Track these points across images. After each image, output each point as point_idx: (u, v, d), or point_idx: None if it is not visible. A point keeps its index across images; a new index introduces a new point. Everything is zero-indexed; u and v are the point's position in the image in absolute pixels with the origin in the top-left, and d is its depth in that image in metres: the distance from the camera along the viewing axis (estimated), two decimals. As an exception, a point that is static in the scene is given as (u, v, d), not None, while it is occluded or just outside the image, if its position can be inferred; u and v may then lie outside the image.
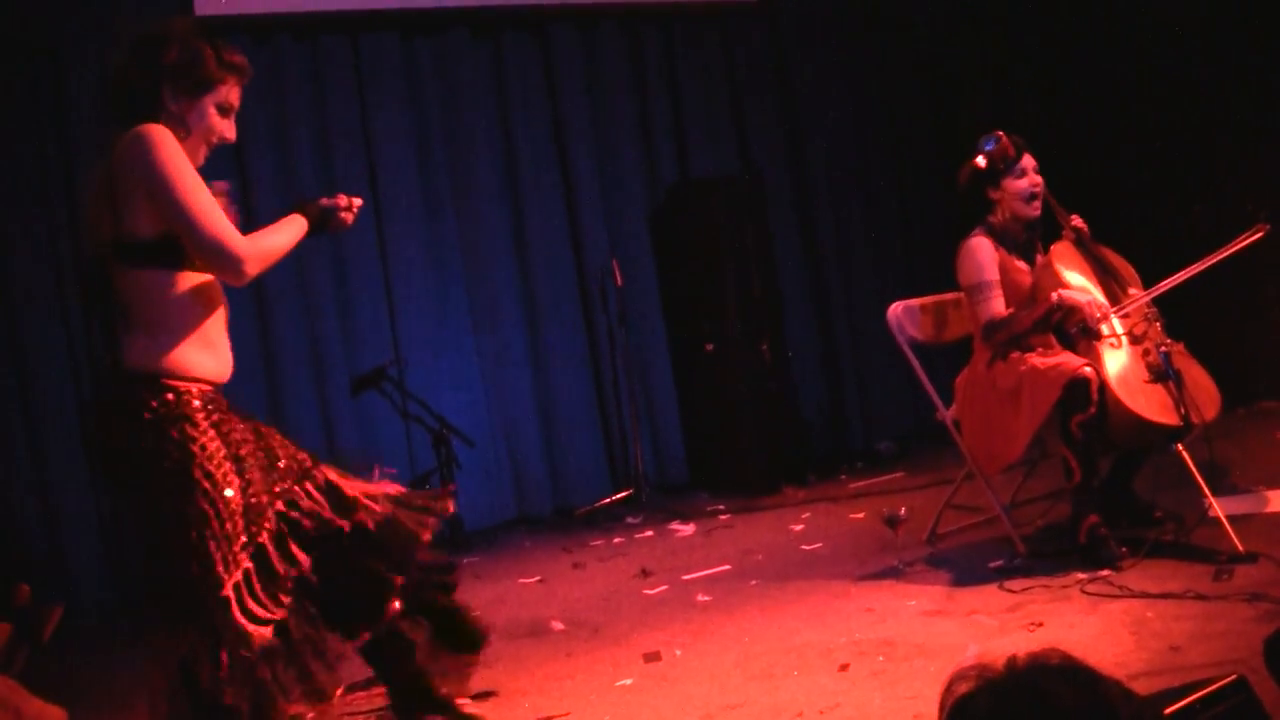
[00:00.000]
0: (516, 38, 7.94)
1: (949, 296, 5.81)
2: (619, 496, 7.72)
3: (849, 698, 3.94)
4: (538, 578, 6.24)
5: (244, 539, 3.33)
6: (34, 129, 6.66)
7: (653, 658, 4.59)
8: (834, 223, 8.75)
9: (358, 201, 3.74)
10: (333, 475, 3.68)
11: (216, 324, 3.46)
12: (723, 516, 7.09)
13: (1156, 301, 5.26)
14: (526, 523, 7.68)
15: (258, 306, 7.10)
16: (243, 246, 3.32)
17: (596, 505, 7.65)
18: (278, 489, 3.51)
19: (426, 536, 3.75)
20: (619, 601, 5.56)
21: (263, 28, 7.20)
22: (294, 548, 3.47)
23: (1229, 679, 2.38)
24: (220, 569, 3.27)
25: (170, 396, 3.29)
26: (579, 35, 8.08)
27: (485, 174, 7.76)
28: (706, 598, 5.35)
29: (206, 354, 3.40)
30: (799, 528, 6.54)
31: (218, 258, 3.30)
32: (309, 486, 3.59)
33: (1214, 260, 5.09)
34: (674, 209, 8.18)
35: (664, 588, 5.66)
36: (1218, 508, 4.83)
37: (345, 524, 3.59)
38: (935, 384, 5.68)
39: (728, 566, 5.90)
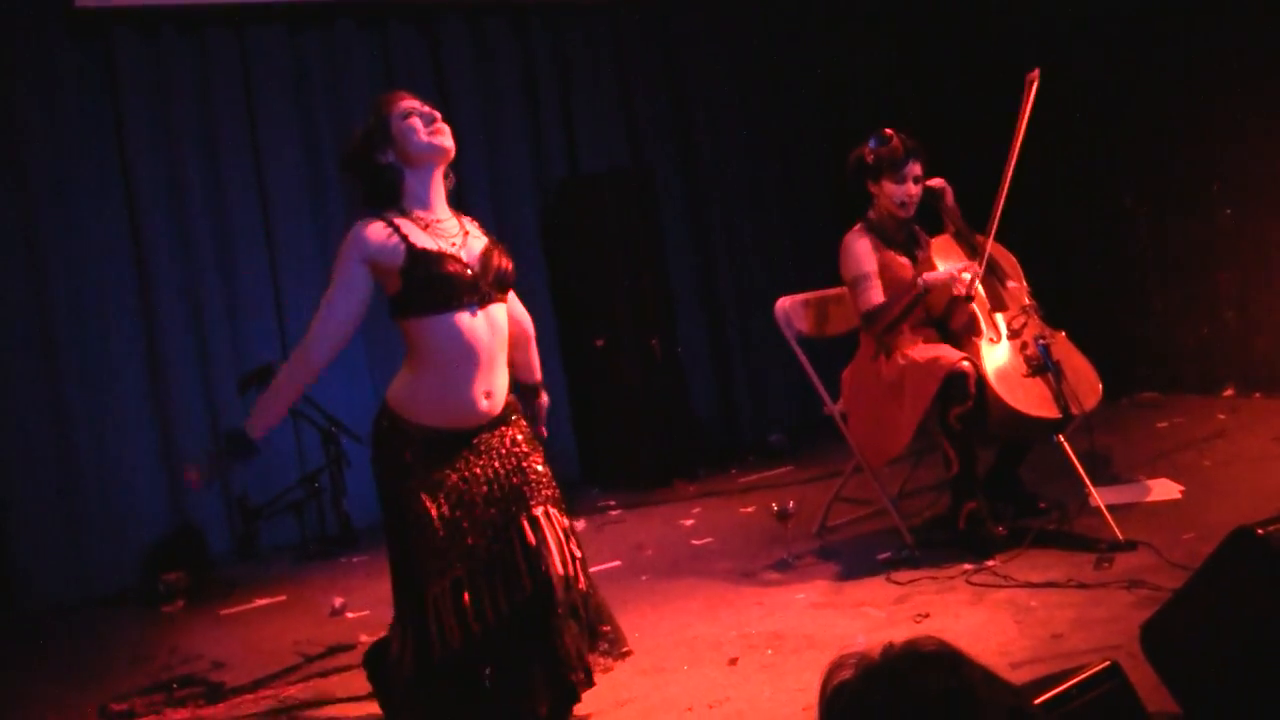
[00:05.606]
0: (404, 31, 7.87)
1: (831, 292, 5.86)
2: (510, 492, 7.67)
3: (739, 691, 3.98)
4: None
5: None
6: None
7: (543, 654, 4.57)
8: (723, 218, 8.79)
9: None
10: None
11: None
12: (614, 512, 7.09)
13: (1037, 294, 5.35)
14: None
15: (143, 303, 7.01)
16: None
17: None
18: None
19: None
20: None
21: (147, 21, 7.08)
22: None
23: (1102, 665, 2.43)
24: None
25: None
26: (468, 29, 8.03)
27: (373, 168, 7.66)
28: (597, 593, 5.35)
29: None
30: (689, 523, 6.56)
31: None
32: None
33: (1018, 139, 5.06)
34: (564, 204, 8.15)
35: (555, 584, 5.63)
36: (1098, 497, 4.94)
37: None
38: (823, 378, 5.73)
39: (618, 562, 5.90)
